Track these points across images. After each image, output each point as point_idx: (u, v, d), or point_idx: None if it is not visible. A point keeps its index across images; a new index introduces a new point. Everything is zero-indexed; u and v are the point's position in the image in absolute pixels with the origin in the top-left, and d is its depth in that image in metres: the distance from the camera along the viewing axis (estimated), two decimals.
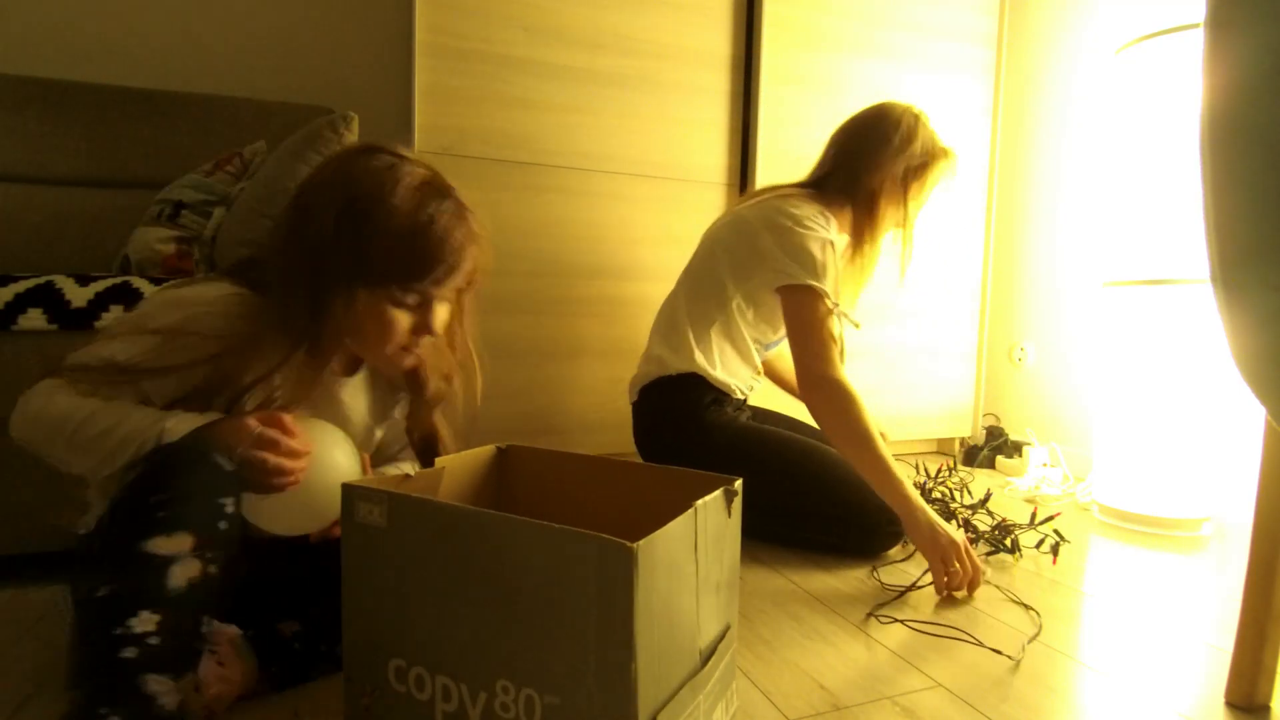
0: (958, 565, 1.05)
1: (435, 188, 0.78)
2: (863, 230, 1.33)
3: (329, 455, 0.74)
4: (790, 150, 1.85)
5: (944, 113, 2.01)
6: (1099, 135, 1.86)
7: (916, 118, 1.31)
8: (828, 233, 1.24)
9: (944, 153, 1.33)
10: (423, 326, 0.81)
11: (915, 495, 1.09)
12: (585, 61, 1.65)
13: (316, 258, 0.74)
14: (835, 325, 1.20)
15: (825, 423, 1.17)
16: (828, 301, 1.20)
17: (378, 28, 1.79)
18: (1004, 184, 2.11)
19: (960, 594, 1.07)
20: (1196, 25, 1.35)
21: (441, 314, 0.82)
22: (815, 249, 1.21)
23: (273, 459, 0.68)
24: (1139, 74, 1.45)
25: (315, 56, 1.76)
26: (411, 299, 0.79)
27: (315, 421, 0.76)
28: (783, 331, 1.32)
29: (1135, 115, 1.47)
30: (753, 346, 1.38)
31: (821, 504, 1.24)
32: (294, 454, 0.69)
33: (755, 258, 1.27)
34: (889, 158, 1.28)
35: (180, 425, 0.67)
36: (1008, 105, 2.10)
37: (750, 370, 1.41)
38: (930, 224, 1.97)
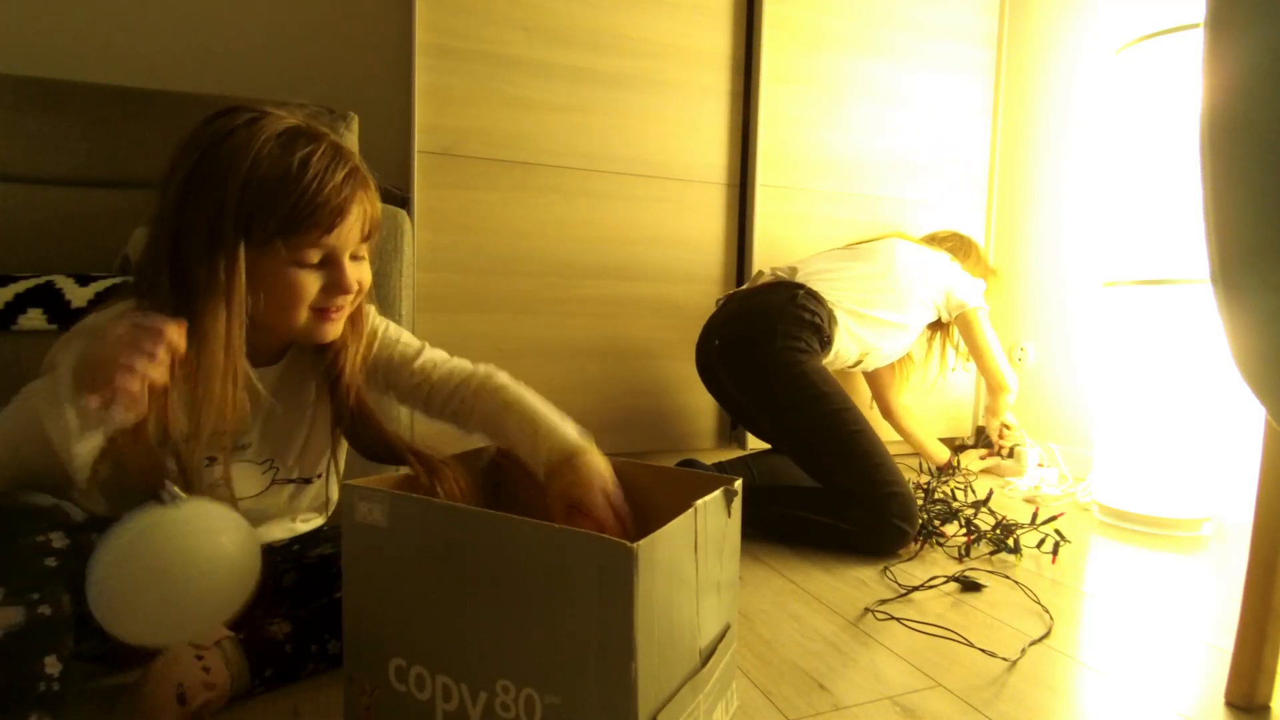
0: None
1: (303, 132, 0.71)
2: None
3: (205, 543, 0.61)
4: (790, 150, 1.85)
5: (944, 113, 2.01)
6: (1099, 135, 1.86)
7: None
8: None
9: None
10: (335, 285, 0.73)
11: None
12: (585, 61, 1.65)
13: (174, 225, 0.68)
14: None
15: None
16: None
17: (377, 28, 1.79)
18: (1004, 184, 2.11)
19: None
20: (1196, 25, 1.35)
21: (357, 270, 0.75)
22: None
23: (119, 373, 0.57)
24: (1139, 74, 1.45)
25: (315, 56, 1.76)
26: (312, 256, 0.71)
27: (203, 502, 0.64)
28: (885, 347, 1.58)
29: (1135, 115, 1.47)
30: (876, 327, 1.53)
31: (842, 467, 1.28)
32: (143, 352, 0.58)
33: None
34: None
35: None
36: (1008, 105, 2.10)
37: (850, 329, 1.49)
38: (930, 224, 1.98)
